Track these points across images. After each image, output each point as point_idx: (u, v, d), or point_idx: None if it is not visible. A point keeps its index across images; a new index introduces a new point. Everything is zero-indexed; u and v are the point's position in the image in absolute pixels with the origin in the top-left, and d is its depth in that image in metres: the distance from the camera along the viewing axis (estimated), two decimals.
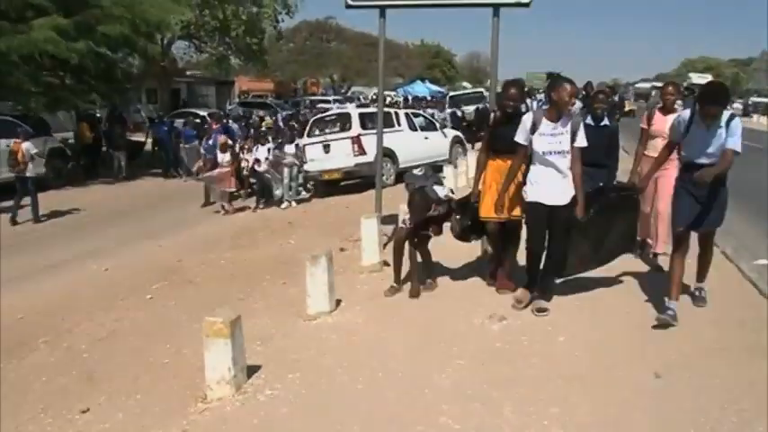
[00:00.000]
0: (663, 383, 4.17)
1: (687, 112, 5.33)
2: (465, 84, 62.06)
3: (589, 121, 6.88)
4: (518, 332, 5.14)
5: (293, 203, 14.18)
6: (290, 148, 14.59)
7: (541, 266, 5.71)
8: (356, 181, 15.05)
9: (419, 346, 5.00)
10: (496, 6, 7.57)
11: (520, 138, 5.47)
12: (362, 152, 14.57)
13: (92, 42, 17.50)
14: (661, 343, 4.86)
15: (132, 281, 8.71)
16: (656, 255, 6.92)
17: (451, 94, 35.84)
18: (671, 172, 6.01)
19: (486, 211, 5.95)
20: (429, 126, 18.00)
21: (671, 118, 6.10)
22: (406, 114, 17.62)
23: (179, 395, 4.81)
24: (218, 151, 14.09)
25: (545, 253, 5.65)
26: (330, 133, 15.75)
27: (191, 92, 41.69)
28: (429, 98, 38.57)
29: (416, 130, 16.94)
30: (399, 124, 16.32)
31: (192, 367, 5.18)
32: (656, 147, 6.52)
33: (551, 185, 5.41)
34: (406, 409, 4.05)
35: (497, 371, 4.50)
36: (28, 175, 13.13)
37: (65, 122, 24.28)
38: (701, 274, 5.77)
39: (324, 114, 18.98)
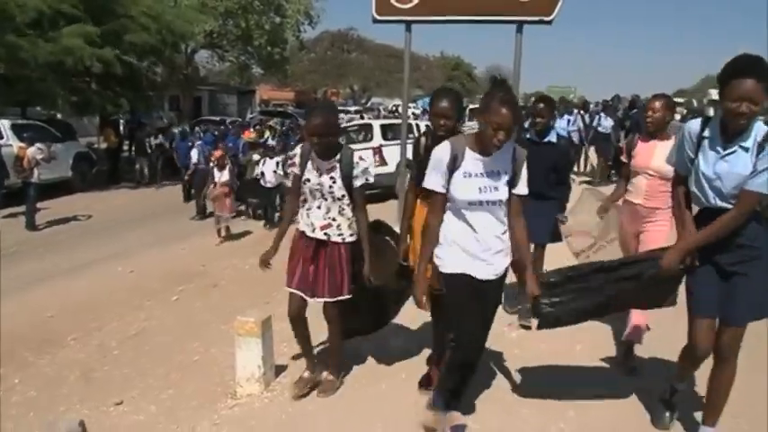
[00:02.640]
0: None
1: (695, 124, 3.57)
2: None
3: (531, 136, 5.74)
4: (537, 340, 5.24)
5: None
6: None
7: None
8: (376, 191, 15.20)
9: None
10: (520, 23, 7.78)
11: (431, 182, 3.57)
12: (383, 163, 14.74)
13: (118, 50, 17.90)
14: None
15: (157, 283, 8.92)
16: (629, 349, 4.93)
17: (471, 106, 36.00)
18: (661, 224, 4.73)
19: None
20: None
21: (660, 146, 4.65)
22: (427, 126, 17.80)
23: (209, 391, 5.01)
24: (214, 168, 12.30)
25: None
26: (352, 143, 16.01)
27: (212, 100, 42.07)
28: None
29: None
30: None
31: (221, 365, 5.40)
32: (638, 188, 4.82)
33: (482, 250, 3.58)
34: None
35: (515, 376, 4.66)
36: (32, 180, 12.90)
37: (89, 127, 24.84)
38: (712, 408, 3.69)
39: (346, 125, 19.27)
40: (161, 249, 11.04)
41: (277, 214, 12.76)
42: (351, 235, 4.34)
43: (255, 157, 13.95)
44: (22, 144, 13.42)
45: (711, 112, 55.57)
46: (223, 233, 11.79)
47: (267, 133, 20.48)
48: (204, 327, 6.78)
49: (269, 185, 13.00)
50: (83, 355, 6.46)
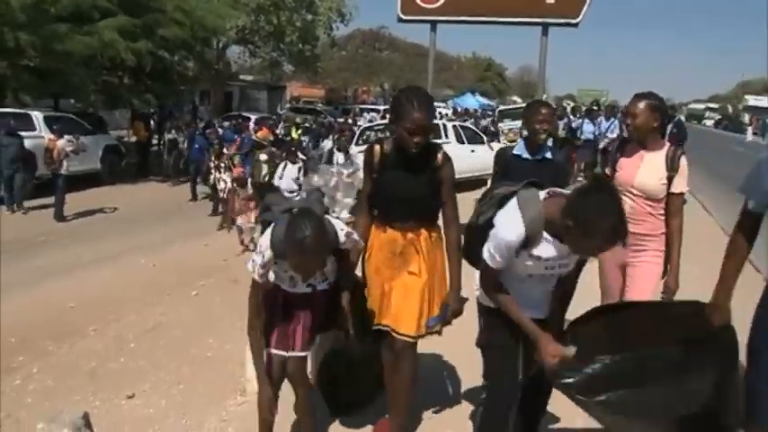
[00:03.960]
0: None
1: None
2: (515, 98, 61.99)
3: (520, 150, 4.52)
4: None
5: None
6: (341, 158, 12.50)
7: None
8: None
9: (455, 364, 5.12)
10: (545, 25, 7.72)
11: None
12: None
13: (151, 44, 18.15)
14: None
15: (179, 277, 8.99)
16: None
17: (501, 108, 35.89)
18: (651, 257, 4.00)
19: (379, 313, 3.64)
20: (476, 139, 18.10)
21: (648, 159, 3.94)
22: (455, 127, 17.75)
23: (219, 387, 5.05)
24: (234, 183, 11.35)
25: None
26: None
27: (243, 95, 42.48)
28: (479, 111, 38.72)
29: (464, 142, 17.04)
30: (447, 136, 16.47)
31: (233, 362, 5.43)
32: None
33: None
34: (439, 414, 4.21)
35: None
36: (62, 172, 13.11)
37: (120, 121, 25.21)
38: None
39: (373, 124, 19.31)
40: (184, 244, 11.13)
41: None
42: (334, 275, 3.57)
43: (263, 157, 12.73)
44: (52, 136, 13.61)
45: (747, 118, 54.66)
46: (246, 242, 10.52)
47: (294, 131, 20.49)
48: (220, 322, 6.82)
49: (287, 194, 10.95)
50: (100, 346, 6.54)
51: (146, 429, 4.63)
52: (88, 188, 16.26)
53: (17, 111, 15.89)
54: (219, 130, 18.38)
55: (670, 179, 3.85)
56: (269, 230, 3.25)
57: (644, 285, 3.95)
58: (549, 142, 4.88)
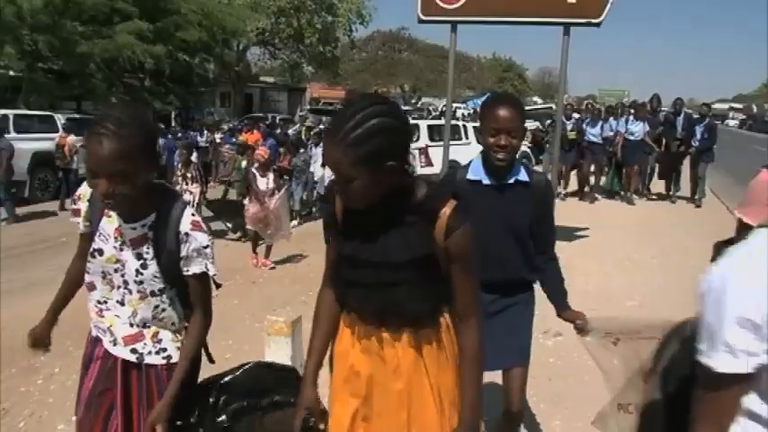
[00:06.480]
0: None
1: None
2: (536, 99, 61.70)
3: (476, 173, 2.87)
4: (572, 348, 5.16)
5: None
6: None
7: None
8: None
9: None
10: (567, 26, 7.65)
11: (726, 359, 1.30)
12: (429, 164, 14.70)
13: (171, 47, 18.32)
14: None
15: None
16: None
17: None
18: None
19: None
20: None
21: None
22: (475, 128, 17.73)
23: None
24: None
25: None
26: None
27: (263, 97, 42.66)
28: None
29: None
30: (467, 137, 16.46)
31: None
32: None
33: None
34: None
35: (548, 385, 4.56)
36: (73, 167, 13.72)
37: None
38: None
39: None
40: None
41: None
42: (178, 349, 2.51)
43: (243, 163, 11.93)
44: (62, 134, 14.09)
45: None
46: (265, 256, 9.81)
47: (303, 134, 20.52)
48: (239, 324, 6.82)
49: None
50: None
51: None
52: None
53: (41, 113, 16.07)
54: (217, 136, 18.50)
55: None
56: None
57: None
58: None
